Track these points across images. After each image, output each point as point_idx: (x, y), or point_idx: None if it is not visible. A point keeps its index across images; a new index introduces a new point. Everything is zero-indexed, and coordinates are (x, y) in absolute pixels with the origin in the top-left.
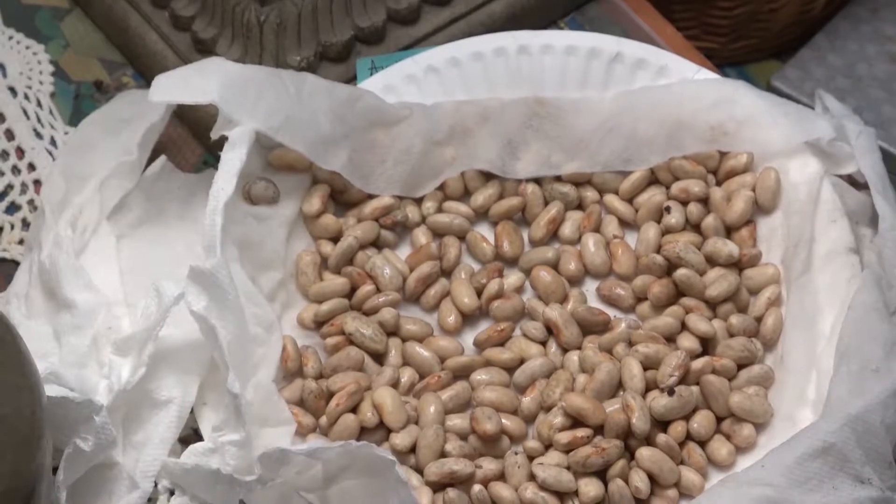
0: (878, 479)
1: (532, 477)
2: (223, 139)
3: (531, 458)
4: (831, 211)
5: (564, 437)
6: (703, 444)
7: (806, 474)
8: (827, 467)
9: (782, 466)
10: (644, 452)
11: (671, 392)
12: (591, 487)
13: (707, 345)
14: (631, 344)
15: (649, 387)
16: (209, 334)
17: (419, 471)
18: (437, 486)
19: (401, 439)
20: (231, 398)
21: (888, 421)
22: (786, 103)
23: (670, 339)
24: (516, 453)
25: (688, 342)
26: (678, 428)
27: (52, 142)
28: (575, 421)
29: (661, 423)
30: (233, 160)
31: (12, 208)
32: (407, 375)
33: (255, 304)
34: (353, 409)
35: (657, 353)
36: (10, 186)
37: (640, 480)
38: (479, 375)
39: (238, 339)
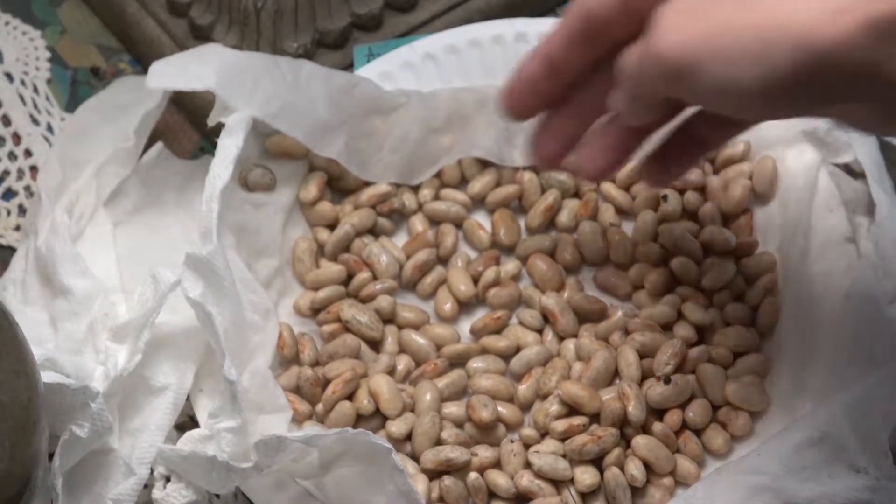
0: (874, 468)
1: (528, 465)
2: (220, 126)
3: (527, 446)
4: (828, 200)
5: (560, 425)
6: (699, 432)
7: (802, 463)
8: (823, 456)
9: (778, 455)
10: (640, 441)
11: (667, 380)
12: (586, 475)
13: (703, 333)
14: (627, 332)
15: (645, 375)
16: (205, 321)
17: (415, 458)
18: (433, 474)
19: (397, 427)
20: (227, 385)
21: (884, 410)
22: None
23: (667, 327)
24: (512, 441)
25: (684, 331)
26: (674, 416)
27: (49, 128)
28: (571, 409)
29: (657, 412)
30: (229, 147)
31: (9, 194)
32: (403, 363)
33: (252, 291)
34: (350, 397)
35: (653, 342)
36: (6, 172)
37: (635, 469)
38: (476, 363)
39: (234, 325)
